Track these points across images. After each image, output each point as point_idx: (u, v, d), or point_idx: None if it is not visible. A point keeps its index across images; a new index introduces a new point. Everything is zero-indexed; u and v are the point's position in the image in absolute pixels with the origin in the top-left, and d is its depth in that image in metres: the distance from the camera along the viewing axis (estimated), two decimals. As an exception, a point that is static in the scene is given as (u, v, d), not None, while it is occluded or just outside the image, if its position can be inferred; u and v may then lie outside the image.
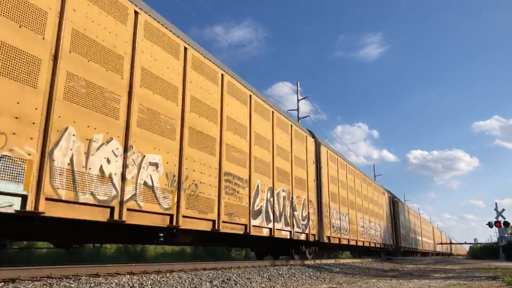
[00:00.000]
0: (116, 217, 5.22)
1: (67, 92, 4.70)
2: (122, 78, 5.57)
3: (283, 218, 10.32)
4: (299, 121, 25.78)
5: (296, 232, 11.02)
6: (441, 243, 68.28)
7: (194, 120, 7.15)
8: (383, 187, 25.85)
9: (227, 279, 5.99)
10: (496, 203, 30.49)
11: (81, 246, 6.72)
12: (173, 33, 6.83)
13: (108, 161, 5.20)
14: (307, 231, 11.81)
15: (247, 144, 9.02)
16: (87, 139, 4.92)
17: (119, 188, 5.31)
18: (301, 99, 26.02)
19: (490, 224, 30.18)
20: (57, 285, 3.97)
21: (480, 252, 38.94)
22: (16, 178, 4.05)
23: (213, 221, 7.45)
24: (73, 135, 4.72)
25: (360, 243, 17.63)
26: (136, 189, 5.60)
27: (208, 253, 17.69)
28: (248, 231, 8.57)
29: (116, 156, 5.35)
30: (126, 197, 5.40)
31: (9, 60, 4.11)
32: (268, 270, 7.83)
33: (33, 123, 4.27)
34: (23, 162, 4.14)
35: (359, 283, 7.24)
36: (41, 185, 4.27)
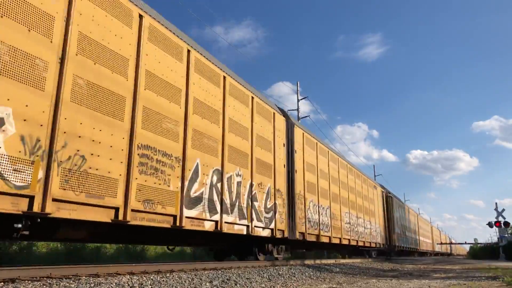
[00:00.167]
0: None
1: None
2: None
3: (236, 209, 8.25)
4: (299, 120, 23.93)
5: (255, 226, 8.95)
6: (441, 243, 67.02)
7: (86, 63, 5.09)
8: (375, 180, 23.72)
9: (227, 279, 5.93)
10: (496, 203, 30.54)
11: None
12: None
13: None
14: (272, 226, 9.72)
15: (182, 110, 6.96)
16: None
17: None
18: (301, 99, 25.64)
19: (490, 224, 30.12)
20: (57, 285, 3.95)
21: (480, 252, 39.44)
22: None
23: (116, 209, 5.41)
24: None
25: (345, 242, 15.46)
26: None
27: (207, 253, 16.01)
28: (179, 224, 6.53)
29: None
30: None
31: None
32: (268, 270, 7.70)
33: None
34: None
35: (359, 283, 7.17)
36: None
